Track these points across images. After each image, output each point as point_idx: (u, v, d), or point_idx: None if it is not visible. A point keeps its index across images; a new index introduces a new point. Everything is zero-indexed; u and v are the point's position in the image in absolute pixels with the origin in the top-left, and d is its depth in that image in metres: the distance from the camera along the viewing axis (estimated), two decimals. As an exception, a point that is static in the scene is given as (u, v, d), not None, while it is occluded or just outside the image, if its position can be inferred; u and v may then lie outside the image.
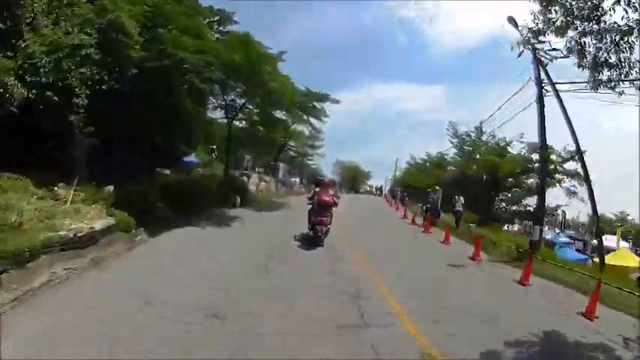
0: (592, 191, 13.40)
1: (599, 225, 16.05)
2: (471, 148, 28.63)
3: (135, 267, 6.84)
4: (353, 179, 75.82)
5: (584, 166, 14.43)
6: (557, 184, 22.92)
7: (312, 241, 9.51)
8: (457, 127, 30.71)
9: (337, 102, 20.16)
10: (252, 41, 14.55)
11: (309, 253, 9.08)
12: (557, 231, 34.73)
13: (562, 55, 7.04)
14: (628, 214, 43.95)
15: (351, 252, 9.61)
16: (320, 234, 9.39)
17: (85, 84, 9.00)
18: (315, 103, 19.49)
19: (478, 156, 27.53)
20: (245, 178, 22.95)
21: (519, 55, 7.41)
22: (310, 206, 10.46)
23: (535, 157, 22.01)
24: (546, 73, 12.47)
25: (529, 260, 8.75)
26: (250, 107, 20.14)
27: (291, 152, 35.98)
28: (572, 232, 40.81)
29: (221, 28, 16.67)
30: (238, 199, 17.72)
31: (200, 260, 7.62)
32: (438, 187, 20.71)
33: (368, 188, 73.98)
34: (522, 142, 24.30)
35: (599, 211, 14.77)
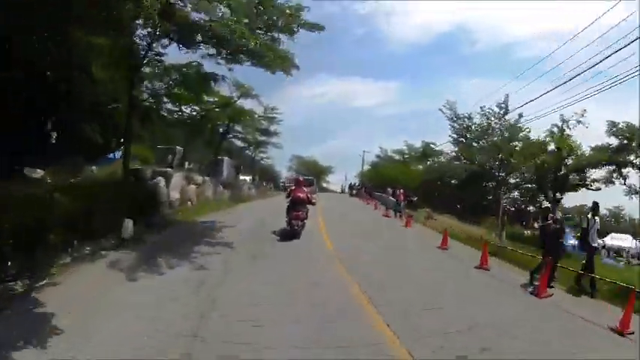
0: None
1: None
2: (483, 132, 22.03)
3: None
4: (312, 176, 68.00)
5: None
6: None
7: (289, 234, 10.20)
8: (456, 108, 24.06)
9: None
10: None
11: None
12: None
13: None
14: None
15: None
16: (296, 227, 10.19)
17: None
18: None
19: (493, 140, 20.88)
20: (160, 181, 13.58)
21: None
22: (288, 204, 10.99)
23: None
24: None
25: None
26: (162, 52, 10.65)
27: (239, 141, 27.06)
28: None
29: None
30: (129, 226, 8.67)
31: None
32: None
33: (334, 187, 66.01)
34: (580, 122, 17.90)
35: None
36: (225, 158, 24.69)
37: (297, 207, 10.41)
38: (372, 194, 29.54)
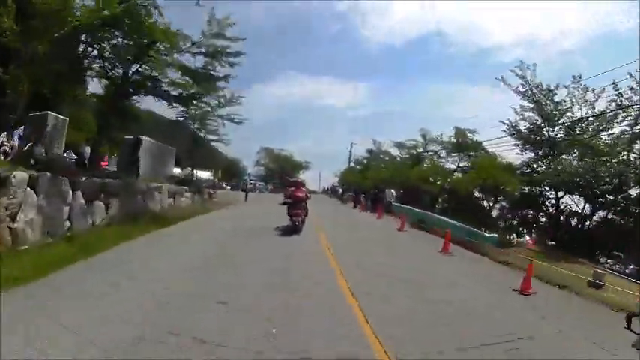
0: None
1: None
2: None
3: None
4: (283, 173, 57.23)
5: None
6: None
7: (291, 229, 10.92)
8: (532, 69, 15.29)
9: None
10: None
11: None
12: None
13: None
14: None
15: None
16: (297, 224, 11.01)
17: None
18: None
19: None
20: None
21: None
22: (286, 204, 12.51)
23: None
24: None
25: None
26: None
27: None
28: None
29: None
30: None
31: None
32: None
33: (311, 187, 56.97)
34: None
35: None
36: (144, 139, 14.05)
37: (297, 205, 11.31)
38: (381, 200, 20.48)
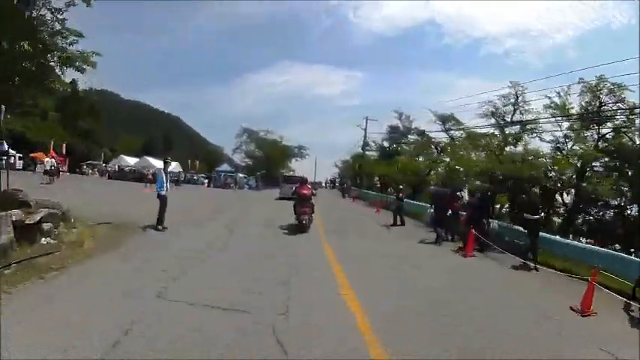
0: None
1: None
2: None
3: None
4: (270, 162, 48.25)
5: None
6: None
7: (298, 229, 10.62)
8: None
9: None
10: None
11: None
12: None
13: None
14: None
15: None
16: (304, 222, 10.79)
17: None
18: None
19: None
20: None
21: None
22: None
23: None
24: None
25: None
26: None
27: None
28: None
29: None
30: None
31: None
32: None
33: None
34: None
35: None
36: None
37: (303, 203, 11.05)
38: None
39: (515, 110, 17.19)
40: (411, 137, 29.10)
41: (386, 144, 32.26)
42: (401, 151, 29.55)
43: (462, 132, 22.55)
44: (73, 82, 66.56)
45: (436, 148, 24.70)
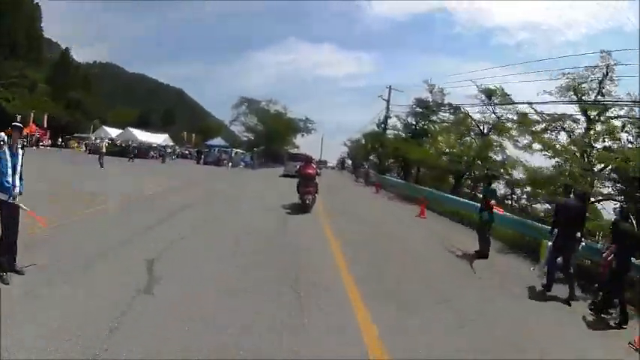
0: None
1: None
2: None
3: None
4: (272, 137, 43.48)
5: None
6: None
7: (301, 208, 10.54)
8: None
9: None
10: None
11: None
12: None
13: None
14: None
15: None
16: (307, 202, 10.60)
17: None
18: None
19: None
20: None
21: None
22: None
23: None
24: None
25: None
26: None
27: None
28: None
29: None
30: None
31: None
32: None
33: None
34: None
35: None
36: None
37: (307, 182, 10.81)
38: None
39: (600, 89, 12.08)
40: (443, 115, 23.85)
41: (410, 120, 26.94)
42: (429, 130, 24.36)
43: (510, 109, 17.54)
44: (66, 51, 62.65)
45: (478, 128, 19.53)
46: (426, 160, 20.34)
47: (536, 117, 15.12)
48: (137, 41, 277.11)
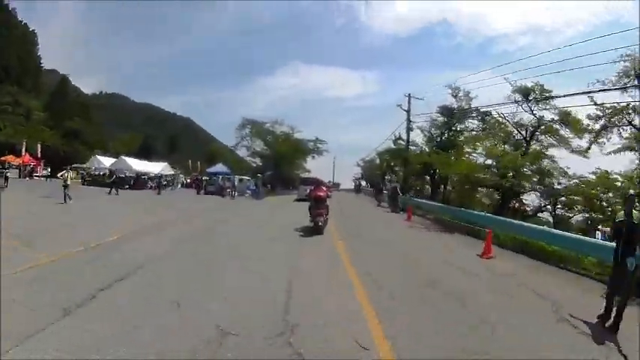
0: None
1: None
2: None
3: None
4: (280, 160, 40.39)
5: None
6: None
7: (313, 230, 10.68)
8: None
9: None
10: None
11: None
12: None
13: None
14: None
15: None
16: (320, 224, 10.73)
17: None
18: None
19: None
20: None
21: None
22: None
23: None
24: None
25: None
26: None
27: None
28: None
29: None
30: None
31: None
32: None
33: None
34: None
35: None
36: None
37: (318, 205, 11.00)
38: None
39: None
40: (471, 121, 20.84)
41: (433, 132, 23.76)
42: (456, 141, 21.21)
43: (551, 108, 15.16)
44: (65, 78, 62.08)
45: (520, 133, 16.40)
46: (469, 174, 16.75)
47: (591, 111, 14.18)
48: (143, 71, 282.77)
